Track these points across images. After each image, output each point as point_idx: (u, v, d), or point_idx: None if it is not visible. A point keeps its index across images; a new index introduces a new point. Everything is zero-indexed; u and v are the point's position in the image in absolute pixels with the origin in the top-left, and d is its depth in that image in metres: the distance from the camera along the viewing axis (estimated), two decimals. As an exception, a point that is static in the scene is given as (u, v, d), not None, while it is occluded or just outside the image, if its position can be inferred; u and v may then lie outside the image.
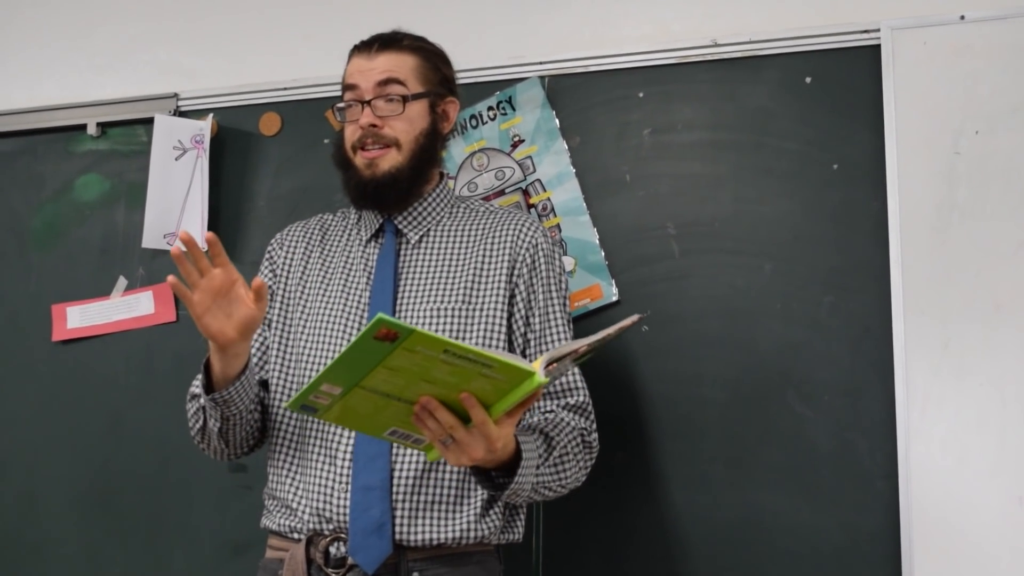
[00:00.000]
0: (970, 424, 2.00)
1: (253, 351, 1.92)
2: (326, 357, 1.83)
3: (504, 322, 1.82)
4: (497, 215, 1.93)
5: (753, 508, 2.11)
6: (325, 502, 1.76)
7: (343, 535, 1.74)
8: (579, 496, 1.91)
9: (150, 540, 2.52)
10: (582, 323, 2.19)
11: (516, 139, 2.36)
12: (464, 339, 1.80)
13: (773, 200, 2.19)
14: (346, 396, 1.46)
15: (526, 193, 2.33)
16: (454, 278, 1.85)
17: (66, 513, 2.59)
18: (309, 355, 1.86)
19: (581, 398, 1.84)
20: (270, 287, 1.97)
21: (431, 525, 1.74)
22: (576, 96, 2.34)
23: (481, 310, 1.82)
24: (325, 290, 1.90)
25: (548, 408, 1.82)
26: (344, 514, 1.74)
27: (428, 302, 1.83)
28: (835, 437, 2.09)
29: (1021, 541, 1.94)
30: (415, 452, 1.74)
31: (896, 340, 2.05)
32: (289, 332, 1.92)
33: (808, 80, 2.20)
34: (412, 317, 1.82)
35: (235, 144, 2.59)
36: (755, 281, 2.17)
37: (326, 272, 1.93)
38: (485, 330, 1.81)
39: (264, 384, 1.92)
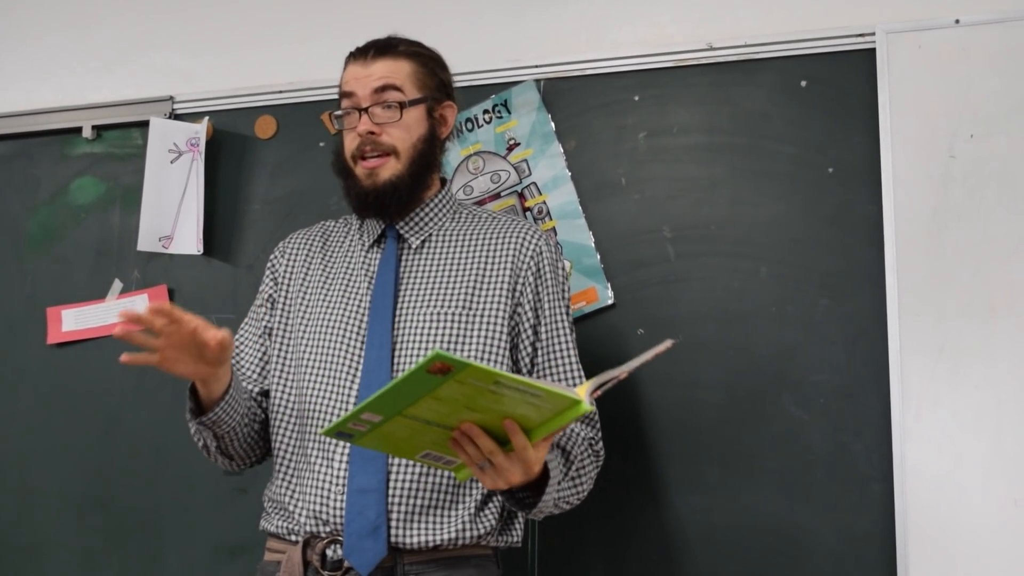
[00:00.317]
0: (966, 426, 2.00)
1: (255, 362, 1.94)
2: (327, 363, 1.83)
3: (505, 328, 1.82)
4: (499, 221, 1.93)
5: (749, 510, 2.12)
6: (322, 505, 1.76)
7: (340, 537, 1.74)
8: (575, 499, 1.92)
9: (145, 542, 2.51)
10: (577, 326, 2.18)
11: (512, 142, 2.36)
12: (464, 344, 1.80)
13: (769, 203, 2.19)
14: (386, 423, 1.44)
15: (522, 196, 2.33)
16: (455, 283, 1.85)
17: (61, 516, 2.59)
18: (310, 361, 1.85)
19: None
20: (271, 295, 1.97)
21: (427, 528, 1.74)
22: (572, 99, 2.34)
23: (482, 316, 1.82)
24: (326, 295, 1.90)
25: None
26: (340, 516, 1.74)
27: (429, 307, 1.83)
28: (831, 439, 2.09)
29: (1017, 543, 1.95)
30: None
31: (892, 343, 2.05)
32: (290, 339, 1.92)
33: (803, 84, 2.20)
34: (412, 322, 1.82)
35: (231, 147, 2.59)
36: (751, 284, 2.17)
37: (327, 278, 1.93)
38: (486, 336, 1.81)
39: (265, 394, 1.93)
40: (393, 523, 1.73)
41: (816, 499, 2.08)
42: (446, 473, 1.75)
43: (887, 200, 2.09)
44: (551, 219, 2.30)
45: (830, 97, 2.18)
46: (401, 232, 1.90)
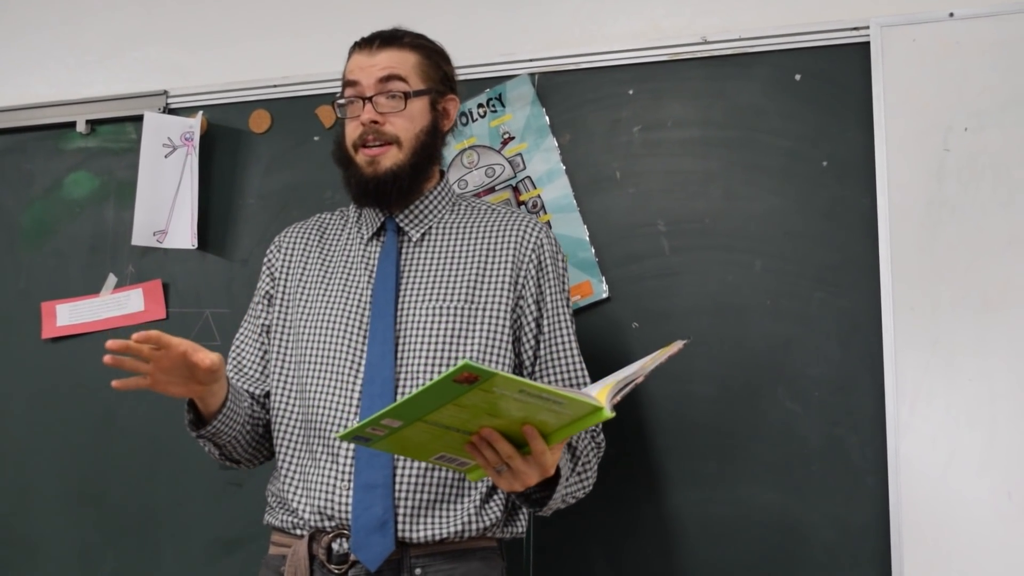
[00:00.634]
0: (960, 419, 2.00)
1: (257, 362, 1.94)
2: (329, 358, 1.83)
3: (507, 322, 1.82)
4: (500, 214, 1.93)
5: (744, 503, 2.12)
6: (327, 500, 1.76)
7: (346, 531, 1.74)
8: (570, 492, 1.92)
9: (141, 537, 2.51)
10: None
11: (506, 136, 2.36)
12: (467, 338, 1.80)
13: (763, 197, 2.19)
14: (404, 428, 1.45)
15: (516, 190, 2.33)
16: (456, 277, 1.85)
17: (57, 510, 2.59)
18: (312, 356, 1.85)
19: None
20: (268, 292, 1.97)
21: (433, 521, 1.74)
22: (566, 93, 2.34)
23: (484, 309, 1.82)
24: (326, 290, 1.90)
25: None
26: (346, 512, 1.74)
27: (430, 301, 1.82)
28: (825, 433, 2.09)
29: (1010, 535, 1.95)
30: None
31: (886, 336, 2.05)
32: (290, 335, 1.91)
33: (798, 77, 2.20)
34: (415, 316, 1.81)
35: (225, 141, 2.59)
36: (745, 277, 2.18)
37: (326, 272, 1.92)
38: (489, 329, 1.81)
39: (268, 395, 1.93)
40: (400, 518, 1.73)
41: (811, 492, 2.09)
42: None
43: (881, 194, 2.09)
44: (546, 213, 2.30)
45: (824, 91, 2.18)
46: (401, 225, 1.90)
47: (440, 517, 1.75)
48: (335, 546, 1.75)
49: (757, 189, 2.20)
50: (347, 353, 1.82)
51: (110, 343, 1.55)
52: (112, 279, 2.63)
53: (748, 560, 2.11)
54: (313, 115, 2.52)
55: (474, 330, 1.80)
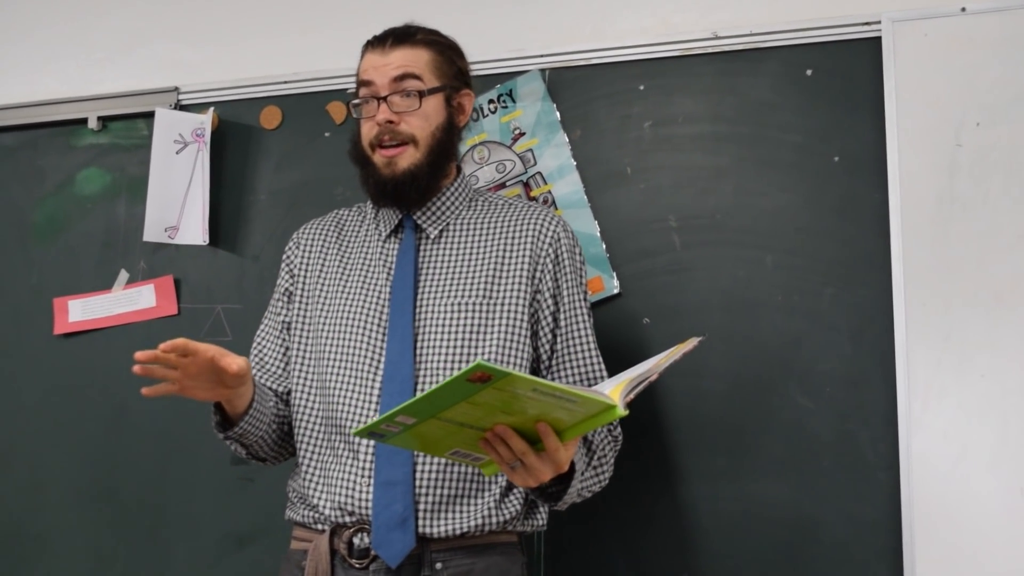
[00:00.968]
0: (971, 415, 2.00)
1: (279, 359, 1.95)
2: (349, 355, 1.83)
3: (525, 317, 1.82)
4: (516, 208, 1.93)
5: (755, 499, 2.12)
6: (348, 496, 1.76)
7: (367, 526, 1.75)
8: (581, 488, 1.92)
9: (153, 532, 2.52)
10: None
11: (517, 132, 2.36)
12: (486, 334, 1.80)
13: (774, 192, 2.19)
14: (419, 425, 1.45)
15: (527, 186, 2.33)
16: (474, 273, 1.85)
17: (69, 506, 2.60)
18: (332, 353, 1.85)
19: None
20: (287, 289, 1.97)
21: (453, 517, 1.75)
22: (577, 89, 2.34)
23: (502, 305, 1.82)
24: (344, 287, 1.90)
25: None
26: (367, 508, 1.74)
27: (449, 297, 1.82)
28: (837, 428, 2.09)
29: (1022, 531, 1.95)
30: None
31: (897, 332, 2.05)
32: (309, 332, 1.91)
33: (809, 72, 2.20)
34: (433, 313, 1.82)
35: (236, 138, 2.59)
36: (756, 273, 2.18)
37: (344, 269, 1.93)
38: (507, 325, 1.81)
39: (290, 392, 1.93)
40: (420, 514, 1.74)
41: (822, 488, 2.08)
42: None
43: (893, 189, 2.09)
44: (557, 209, 2.30)
45: (836, 86, 2.17)
46: (419, 222, 1.90)
47: (460, 512, 1.75)
48: (356, 541, 1.76)
49: (768, 185, 2.19)
50: (367, 350, 1.82)
51: (139, 354, 1.56)
52: (124, 275, 2.63)
53: (760, 555, 2.11)
54: (324, 111, 2.52)
55: (493, 326, 1.80)
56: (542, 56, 2.36)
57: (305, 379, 1.89)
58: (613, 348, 2.18)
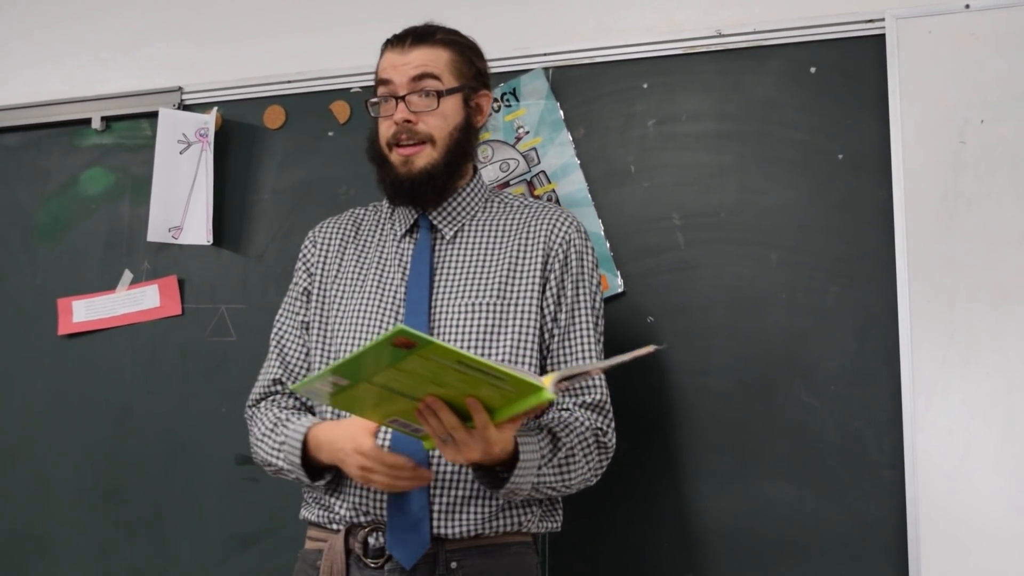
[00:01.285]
0: (977, 413, 2.00)
1: (301, 359, 1.94)
2: None
3: (538, 317, 1.82)
4: (531, 208, 1.93)
5: (759, 497, 2.12)
6: (362, 497, 1.76)
7: (382, 526, 1.75)
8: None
9: (158, 532, 2.52)
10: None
11: (520, 130, 2.36)
12: (499, 334, 1.80)
13: (778, 190, 2.19)
14: (353, 387, 1.49)
15: (531, 185, 2.33)
16: (489, 273, 1.85)
17: (74, 506, 2.60)
18: (346, 352, 1.85)
19: (599, 396, 1.84)
20: (306, 288, 1.96)
21: (468, 518, 1.75)
22: (580, 87, 2.34)
23: (516, 305, 1.82)
24: (360, 286, 1.90)
25: (564, 406, 1.82)
26: (381, 508, 1.75)
27: (463, 297, 1.82)
28: (841, 426, 2.09)
29: (1028, 529, 1.95)
30: None
31: (902, 329, 2.05)
32: (327, 331, 1.91)
33: (813, 70, 2.19)
34: (448, 313, 1.81)
35: (239, 137, 2.59)
36: (761, 271, 2.17)
37: (361, 268, 1.93)
38: (520, 325, 1.81)
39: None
40: (435, 514, 1.74)
41: (827, 486, 2.08)
42: None
43: (897, 186, 2.08)
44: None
45: (840, 83, 2.17)
46: (434, 222, 1.90)
47: (475, 513, 1.75)
48: (371, 540, 1.76)
49: (772, 182, 2.19)
50: None
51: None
52: (128, 275, 2.63)
53: (764, 554, 2.10)
54: (327, 111, 2.52)
55: (506, 326, 1.80)
56: (545, 54, 2.36)
57: None
58: (617, 346, 2.17)
